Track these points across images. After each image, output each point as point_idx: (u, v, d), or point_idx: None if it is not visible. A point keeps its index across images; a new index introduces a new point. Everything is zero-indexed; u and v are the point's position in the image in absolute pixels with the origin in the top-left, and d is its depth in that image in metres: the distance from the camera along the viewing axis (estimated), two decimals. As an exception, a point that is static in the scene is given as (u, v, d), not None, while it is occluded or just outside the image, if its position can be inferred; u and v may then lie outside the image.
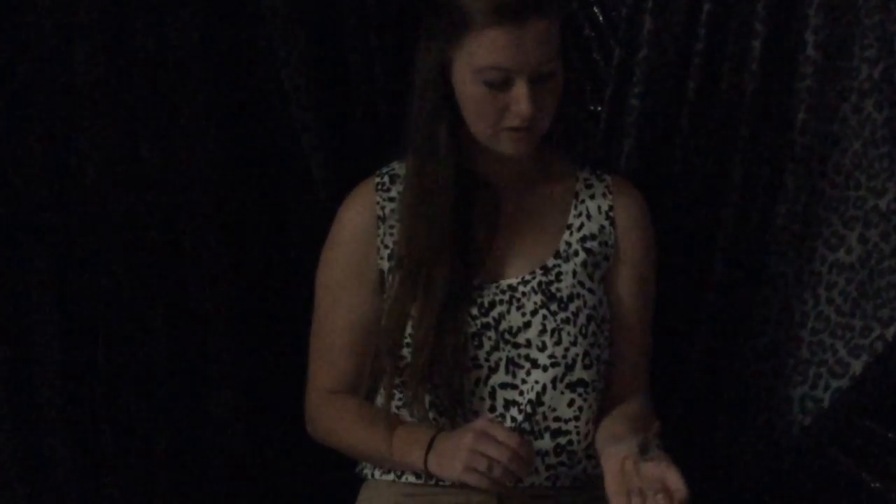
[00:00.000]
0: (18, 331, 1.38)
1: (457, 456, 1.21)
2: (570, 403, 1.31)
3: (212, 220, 1.48)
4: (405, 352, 1.29)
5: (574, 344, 1.30)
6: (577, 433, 1.32)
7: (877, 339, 1.54)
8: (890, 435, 1.53)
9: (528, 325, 1.31)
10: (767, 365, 1.60)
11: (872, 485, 1.54)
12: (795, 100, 1.52)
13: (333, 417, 1.36)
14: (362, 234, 1.35)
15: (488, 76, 1.22)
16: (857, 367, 1.55)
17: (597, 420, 1.33)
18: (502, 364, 1.30)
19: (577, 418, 1.31)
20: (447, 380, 1.28)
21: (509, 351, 1.30)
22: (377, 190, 1.36)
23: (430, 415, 1.30)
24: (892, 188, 1.50)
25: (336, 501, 1.43)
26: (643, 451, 1.15)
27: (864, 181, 1.52)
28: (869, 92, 1.48)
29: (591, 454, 1.33)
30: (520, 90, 1.22)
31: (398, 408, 1.33)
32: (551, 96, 1.26)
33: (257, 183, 1.54)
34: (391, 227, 1.34)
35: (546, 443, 1.31)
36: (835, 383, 1.56)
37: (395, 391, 1.33)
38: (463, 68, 1.24)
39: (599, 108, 1.59)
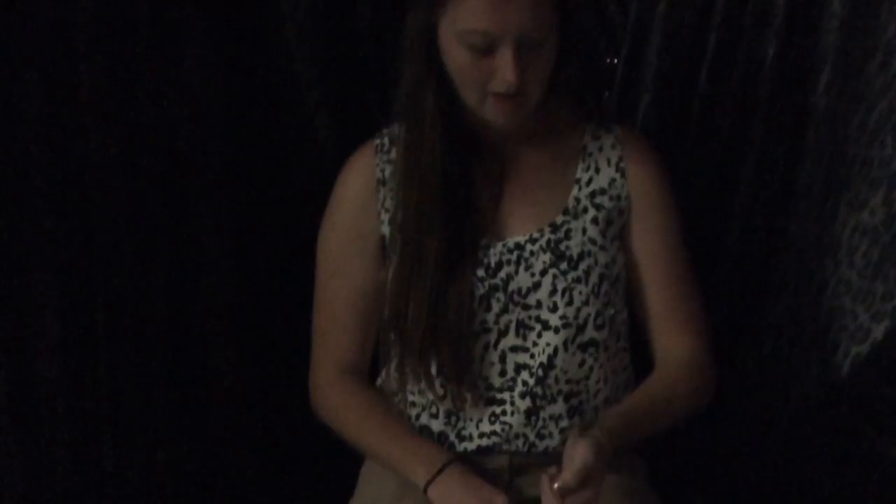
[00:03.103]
0: (16, 310, 1.35)
1: None
2: (581, 364, 1.28)
3: (214, 182, 1.46)
4: (410, 319, 1.26)
5: (586, 304, 1.27)
6: (587, 392, 1.29)
7: None
8: (911, 402, 1.50)
9: (537, 285, 1.27)
10: (785, 330, 1.57)
11: (892, 451, 1.51)
12: (819, 57, 1.48)
13: (340, 406, 1.34)
14: (362, 198, 1.33)
15: (471, 40, 1.18)
16: (878, 332, 1.52)
17: (608, 380, 1.30)
18: (512, 327, 1.27)
19: (587, 378, 1.29)
20: (452, 345, 1.25)
21: (519, 313, 1.27)
22: (377, 153, 1.33)
23: (437, 382, 1.27)
24: (918, 148, 1.46)
25: (341, 470, 1.40)
26: (584, 428, 1.16)
27: (889, 141, 1.48)
28: (896, 49, 1.44)
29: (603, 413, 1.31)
30: (504, 56, 1.18)
31: (404, 374, 1.30)
32: (542, 63, 1.22)
33: (260, 143, 1.51)
34: (391, 190, 1.31)
35: (559, 406, 1.29)
36: (855, 349, 1.54)
37: (403, 360, 1.30)
38: (447, 32, 1.20)
39: (616, 61, 1.54)
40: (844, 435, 1.55)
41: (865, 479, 1.53)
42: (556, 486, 1.10)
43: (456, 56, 1.21)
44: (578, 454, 1.11)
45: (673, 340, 1.33)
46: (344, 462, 1.38)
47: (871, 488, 1.52)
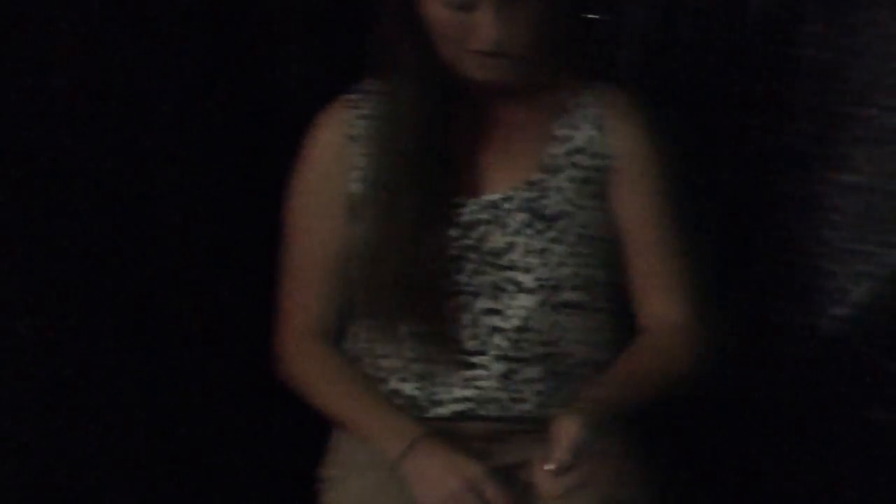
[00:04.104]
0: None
1: (436, 487, 1.18)
2: (557, 325, 1.26)
3: (179, 135, 1.41)
4: (380, 279, 1.23)
5: (562, 264, 1.24)
6: (563, 354, 1.27)
7: (881, 266, 1.50)
8: (889, 364, 1.50)
9: (512, 245, 1.24)
10: (765, 290, 1.56)
11: (869, 414, 1.51)
12: (808, 10, 1.44)
13: (307, 371, 1.31)
14: (333, 155, 1.28)
15: None
16: (858, 293, 1.51)
17: (585, 341, 1.27)
18: (486, 288, 1.24)
19: (563, 340, 1.26)
20: (424, 306, 1.22)
21: (493, 274, 1.24)
22: (350, 108, 1.29)
23: (408, 344, 1.24)
24: (904, 106, 1.44)
25: (311, 437, 1.37)
26: (566, 405, 1.14)
27: (875, 99, 1.45)
28: (887, 2, 1.41)
29: (579, 375, 1.28)
30: (485, 13, 1.14)
31: (374, 336, 1.27)
32: (529, 18, 1.17)
33: (228, 96, 1.46)
34: (364, 146, 1.27)
35: (535, 370, 1.26)
36: (835, 310, 1.53)
37: (373, 322, 1.27)
38: None
39: (595, 16, 1.50)
40: (824, 396, 1.54)
41: (845, 440, 1.53)
42: (550, 466, 1.07)
43: (434, 11, 1.16)
44: (565, 430, 1.08)
45: (658, 304, 1.30)
46: (314, 428, 1.35)
47: (851, 448, 1.52)
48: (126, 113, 1.38)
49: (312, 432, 1.35)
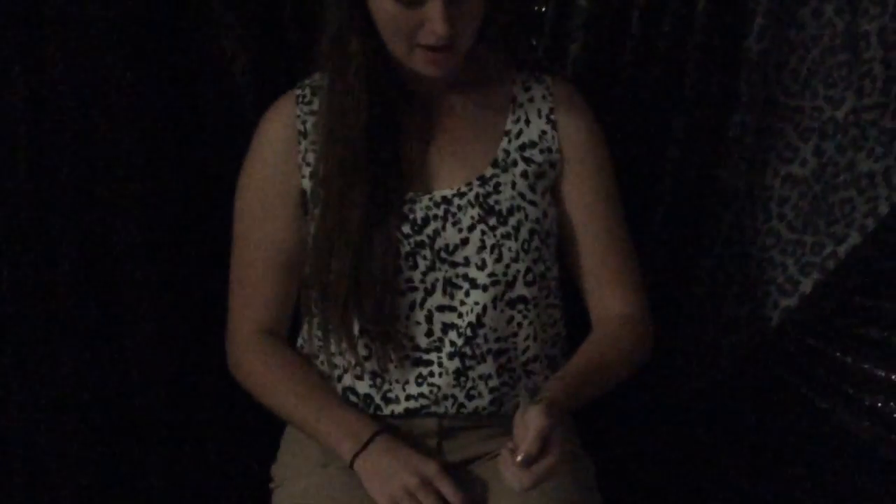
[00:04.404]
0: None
1: (390, 485, 1.18)
2: (510, 321, 1.25)
3: (126, 131, 1.38)
4: (332, 276, 1.21)
5: (515, 260, 1.23)
6: (516, 349, 1.26)
7: (828, 257, 1.52)
8: (838, 355, 1.51)
9: (465, 241, 1.23)
10: (715, 282, 1.57)
11: (819, 405, 1.53)
12: (753, 3, 1.44)
13: (259, 369, 1.29)
14: (282, 151, 1.26)
15: None
16: (806, 285, 1.53)
17: (537, 336, 1.27)
18: (439, 285, 1.23)
19: (514, 335, 1.26)
20: (376, 303, 1.20)
21: (446, 271, 1.23)
22: (298, 103, 1.27)
23: (361, 342, 1.23)
24: (850, 98, 1.46)
25: (262, 436, 1.35)
26: (532, 395, 1.13)
27: (821, 91, 1.47)
28: (832, -5, 1.42)
29: (531, 370, 1.28)
30: (434, 7, 1.12)
31: (326, 334, 1.25)
32: (472, 13, 1.16)
33: (174, 92, 1.42)
34: (313, 142, 1.25)
35: (489, 366, 1.25)
36: (784, 302, 1.54)
37: (326, 319, 1.25)
38: None
39: (545, 9, 1.49)
40: (773, 386, 1.56)
41: (793, 429, 1.54)
42: (518, 458, 1.06)
43: (383, 5, 1.14)
44: (532, 420, 1.07)
45: (610, 296, 1.30)
46: (265, 427, 1.33)
47: (798, 437, 1.54)
48: (74, 110, 1.35)
49: (264, 431, 1.34)
